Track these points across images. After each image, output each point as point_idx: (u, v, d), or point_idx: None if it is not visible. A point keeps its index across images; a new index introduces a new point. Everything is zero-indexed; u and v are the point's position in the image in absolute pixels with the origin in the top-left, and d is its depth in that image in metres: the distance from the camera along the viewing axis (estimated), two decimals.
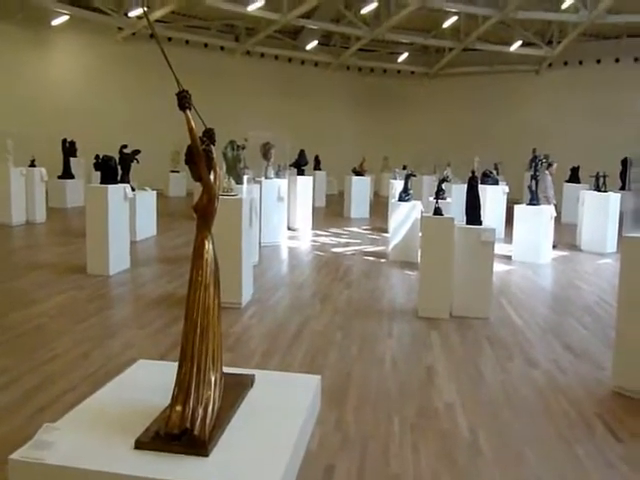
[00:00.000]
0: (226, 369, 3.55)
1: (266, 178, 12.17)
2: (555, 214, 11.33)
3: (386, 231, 13.28)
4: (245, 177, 9.96)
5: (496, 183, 14.12)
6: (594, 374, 5.43)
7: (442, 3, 21.28)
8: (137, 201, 11.53)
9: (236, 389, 3.61)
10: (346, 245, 12.47)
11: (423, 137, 25.76)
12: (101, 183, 9.17)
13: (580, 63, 24.67)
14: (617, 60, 23.72)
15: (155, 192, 12.97)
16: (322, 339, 6.20)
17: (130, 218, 9.84)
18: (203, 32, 23.81)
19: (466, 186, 7.80)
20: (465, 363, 5.62)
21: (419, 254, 8.28)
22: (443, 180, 8.84)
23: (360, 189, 17.56)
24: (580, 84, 23.90)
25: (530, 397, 4.90)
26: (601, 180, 12.57)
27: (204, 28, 23.80)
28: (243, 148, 10.43)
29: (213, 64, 23.41)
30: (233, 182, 8.39)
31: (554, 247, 11.74)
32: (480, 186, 8.36)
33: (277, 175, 12.71)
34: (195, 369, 3.16)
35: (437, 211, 7.53)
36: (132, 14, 20.41)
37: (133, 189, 10.52)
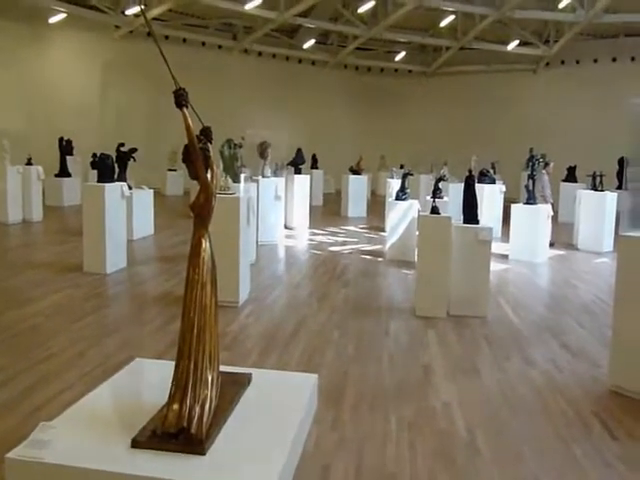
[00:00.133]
0: (223, 368, 3.55)
1: (263, 177, 12.17)
2: (552, 213, 11.35)
3: (383, 230, 13.29)
4: (242, 176, 9.96)
5: (493, 182, 14.13)
6: (591, 373, 5.44)
7: (439, 2, 21.30)
8: (134, 200, 11.51)
9: (233, 388, 3.61)
10: (343, 244, 12.47)
11: (420, 136, 25.78)
12: (98, 181, 9.15)
13: (577, 62, 24.71)
14: (614, 59, 23.75)
15: (152, 191, 12.95)
16: (319, 338, 6.20)
17: (127, 217, 9.82)
18: (201, 30, 23.78)
19: (463, 185, 7.81)
20: (462, 362, 5.63)
21: (416, 253, 8.28)
22: (440, 179, 8.83)
23: (357, 188, 17.56)
24: (577, 83, 23.92)
25: (527, 396, 4.90)
26: (598, 179, 12.60)
27: (202, 27, 23.77)
28: (240, 147, 10.42)
29: (210, 62, 23.37)
30: (230, 181, 8.38)
31: (551, 245, 11.77)
32: (477, 185, 8.37)
33: (274, 174, 12.70)
34: (192, 368, 3.16)
35: (434, 210, 7.53)
36: (129, 12, 20.37)
37: (130, 187, 10.50)
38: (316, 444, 3.90)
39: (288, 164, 15.23)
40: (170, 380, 3.18)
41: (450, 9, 21.95)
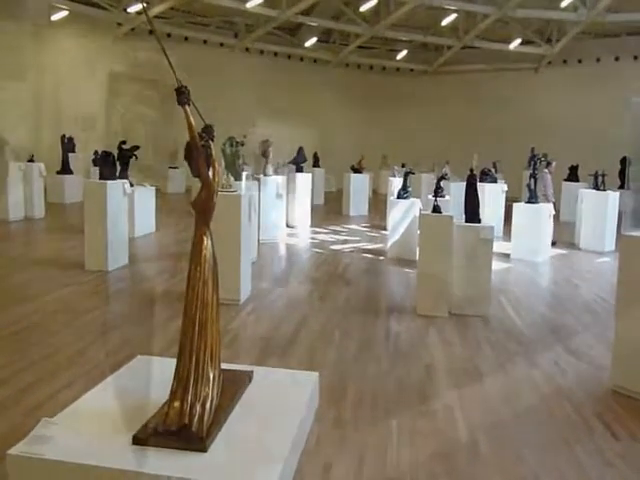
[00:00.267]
0: (224, 365, 3.55)
1: (265, 175, 12.17)
2: (554, 212, 11.34)
3: (385, 229, 13.28)
4: (244, 174, 9.96)
5: (495, 181, 14.12)
6: (593, 373, 5.44)
7: (441, 0, 21.26)
8: (136, 197, 11.52)
9: (234, 385, 3.62)
10: (344, 242, 12.47)
11: (422, 135, 25.74)
12: (100, 179, 9.15)
13: (579, 61, 24.65)
14: (617, 59, 23.70)
15: (154, 188, 12.95)
16: (320, 336, 6.20)
17: (129, 214, 9.82)
18: (202, 28, 23.76)
19: (465, 184, 7.81)
20: (464, 362, 5.62)
21: (417, 252, 8.28)
22: (442, 178, 8.83)
23: (359, 187, 17.54)
24: (579, 82, 23.88)
25: (529, 396, 4.90)
26: (600, 179, 12.57)
27: (203, 25, 23.76)
28: (242, 145, 10.42)
29: (212, 61, 23.35)
30: (232, 179, 8.38)
31: (554, 244, 11.76)
32: (479, 184, 8.37)
33: (276, 172, 12.70)
34: (193, 365, 3.16)
35: (436, 209, 7.53)
36: (131, 10, 20.37)
37: (132, 185, 10.50)
38: (317, 443, 3.90)
39: (289, 162, 15.23)
40: (171, 377, 3.18)
41: (452, 7, 21.91)
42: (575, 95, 23.80)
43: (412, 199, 11.06)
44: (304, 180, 14.59)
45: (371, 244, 12.38)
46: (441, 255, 7.01)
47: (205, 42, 23.97)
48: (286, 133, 22.01)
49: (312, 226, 14.26)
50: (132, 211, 11.01)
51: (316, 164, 20.52)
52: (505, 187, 14.07)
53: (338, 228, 14.51)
